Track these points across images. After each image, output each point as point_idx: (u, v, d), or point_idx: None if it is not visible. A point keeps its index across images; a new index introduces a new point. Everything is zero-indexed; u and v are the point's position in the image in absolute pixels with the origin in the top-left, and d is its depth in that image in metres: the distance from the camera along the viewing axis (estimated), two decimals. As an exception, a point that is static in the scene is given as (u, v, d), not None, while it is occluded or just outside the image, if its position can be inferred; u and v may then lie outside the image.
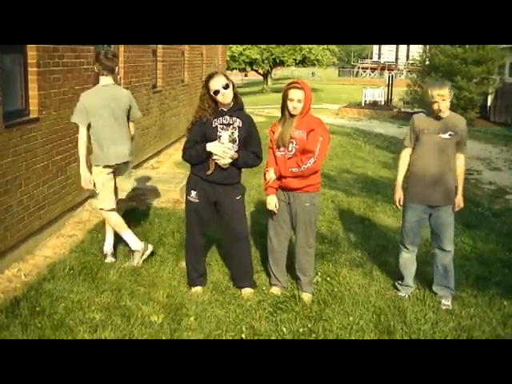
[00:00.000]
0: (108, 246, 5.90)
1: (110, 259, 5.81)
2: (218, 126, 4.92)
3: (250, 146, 5.04)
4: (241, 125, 4.97)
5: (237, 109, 5.01)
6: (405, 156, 5.31)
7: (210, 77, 4.93)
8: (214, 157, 4.90)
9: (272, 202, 5.13)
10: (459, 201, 5.17)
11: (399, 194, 5.34)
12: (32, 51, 5.91)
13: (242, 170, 5.21)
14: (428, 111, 5.14)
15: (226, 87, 4.85)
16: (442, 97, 4.90)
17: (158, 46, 11.01)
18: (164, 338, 4.38)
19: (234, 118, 4.96)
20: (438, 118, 5.04)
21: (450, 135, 5.03)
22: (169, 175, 9.26)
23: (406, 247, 5.36)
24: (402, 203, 5.35)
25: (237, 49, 37.88)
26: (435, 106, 4.96)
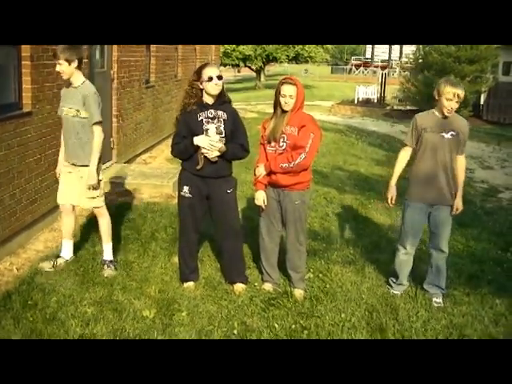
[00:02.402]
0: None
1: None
2: (204, 119, 4.93)
3: (236, 139, 5.04)
4: (226, 118, 4.97)
5: (222, 102, 5.02)
6: (403, 155, 5.28)
7: (205, 65, 4.99)
8: (202, 150, 4.91)
9: (260, 198, 5.12)
10: (458, 204, 5.14)
11: (392, 193, 5.33)
12: (26, 44, 5.85)
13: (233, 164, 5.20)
14: (428, 110, 5.12)
15: (219, 78, 4.88)
16: (459, 97, 4.85)
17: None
18: (156, 333, 4.38)
19: (220, 112, 4.96)
20: (442, 118, 5.01)
21: (451, 135, 5.00)
22: (161, 170, 9.23)
23: (405, 247, 5.30)
24: (393, 202, 5.34)
25: (230, 45, 37.75)
26: (448, 104, 4.89)
